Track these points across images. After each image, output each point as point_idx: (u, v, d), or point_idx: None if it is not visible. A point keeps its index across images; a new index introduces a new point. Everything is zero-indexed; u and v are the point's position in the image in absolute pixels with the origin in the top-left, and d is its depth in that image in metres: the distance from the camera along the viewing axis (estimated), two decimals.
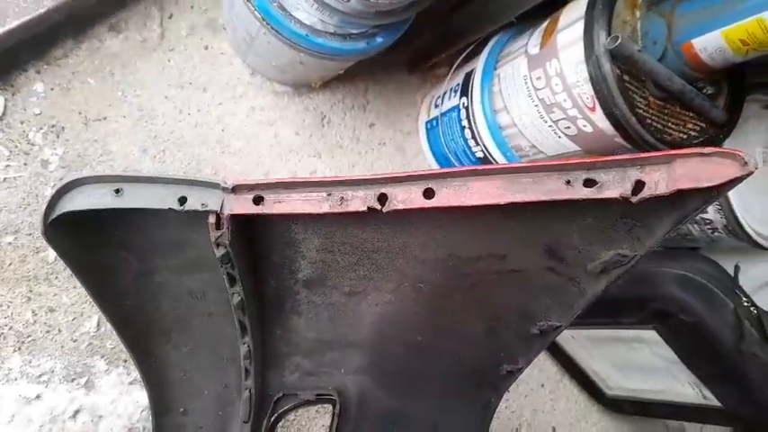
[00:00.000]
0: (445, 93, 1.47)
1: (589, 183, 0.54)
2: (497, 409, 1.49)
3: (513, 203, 0.57)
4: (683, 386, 1.27)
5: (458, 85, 1.41)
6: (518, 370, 0.90)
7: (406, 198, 0.60)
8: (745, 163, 0.47)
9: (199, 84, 1.35)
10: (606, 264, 0.63)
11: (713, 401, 1.24)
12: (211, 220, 0.62)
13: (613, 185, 0.53)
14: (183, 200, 0.61)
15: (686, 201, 0.52)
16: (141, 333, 0.84)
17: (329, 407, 1.13)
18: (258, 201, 0.61)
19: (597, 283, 0.67)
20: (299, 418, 1.25)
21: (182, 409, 0.98)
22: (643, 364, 1.32)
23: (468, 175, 0.59)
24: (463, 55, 1.45)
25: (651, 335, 1.20)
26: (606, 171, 0.54)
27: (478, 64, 1.32)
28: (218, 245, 0.63)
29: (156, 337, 0.86)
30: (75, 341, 1.09)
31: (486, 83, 1.29)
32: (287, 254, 0.75)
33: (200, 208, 0.61)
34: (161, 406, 0.96)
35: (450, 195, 0.59)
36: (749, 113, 1.15)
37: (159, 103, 1.31)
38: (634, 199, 0.52)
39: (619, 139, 1.03)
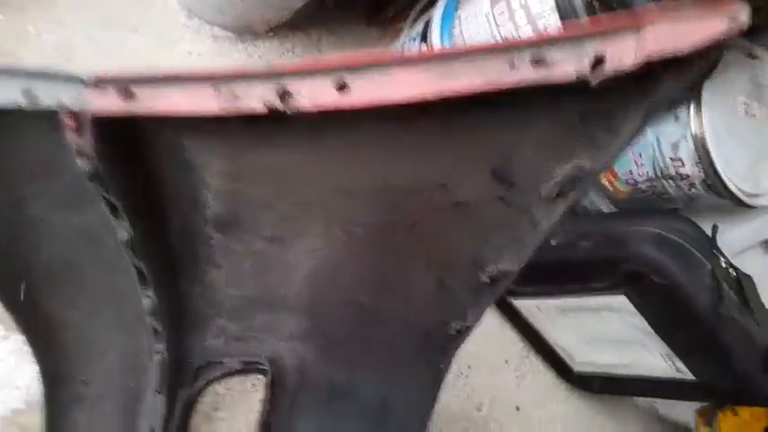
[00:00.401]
0: (404, 43, 1.34)
1: (537, 63, 0.42)
2: (458, 388, 1.39)
3: (447, 101, 0.46)
4: (655, 358, 1.17)
5: (417, 33, 1.29)
6: (466, 328, 0.79)
7: (314, 92, 0.47)
8: (735, 17, 0.36)
9: (127, 25, 1.21)
10: (562, 183, 0.52)
11: (686, 374, 1.14)
12: (68, 120, 0.49)
13: (567, 63, 0.41)
14: (31, 96, 0.48)
15: (658, 80, 0.41)
16: (20, 283, 0.70)
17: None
18: (128, 96, 0.48)
19: (551, 210, 0.55)
20: (232, 392, 1.13)
21: (82, 378, 0.85)
22: (613, 335, 1.22)
23: (391, 63, 0.47)
24: (424, 1, 1.33)
25: (621, 302, 1.10)
26: (558, 47, 0.42)
27: (438, 6, 1.20)
28: (79, 154, 0.50)
29: (41, 290, 0.73)
30: None
31: (446, 26, 1.17)
32: (186, 181, 0.62)
33: (53, 105, 0.48)
34: (55, 374, 0.82)
35: (368, 88, 0.47)
36: (731, 61, 1.05)
37: (80, 43, 1.16)
38: (594, 78, 0.40)
39: None
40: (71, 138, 0.49)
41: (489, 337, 1.41)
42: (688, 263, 0.99)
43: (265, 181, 0.62)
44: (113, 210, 0.58)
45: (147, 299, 0.74)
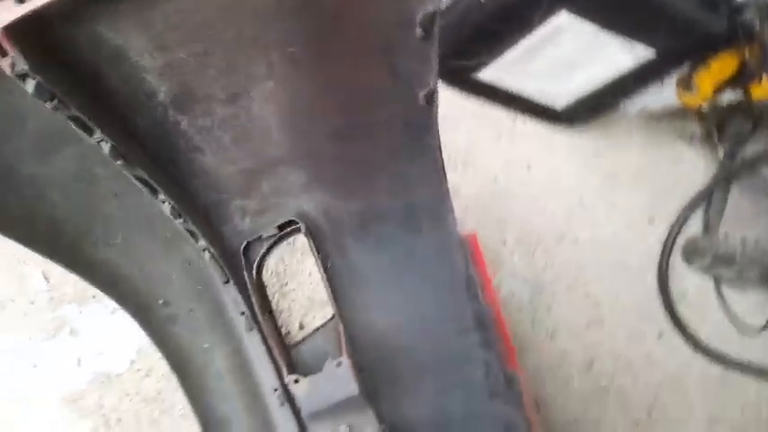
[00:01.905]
0: None
1: None
2: (460, 174, 1.48)
3: None
4: (616, 55, 1.24)
5: None
6: (433, 92, 0.86)
7: None
8: None
9: None
10: None
11: (647, 54, 1.22)
12: None
13: None
14: None
15: None
16: (53, 239, 0.79)
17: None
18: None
19: None
20: (288, 266, 1.24)
21: (161, 301, 0.96)
22: (574, 57, 1.28)
23: None
24: None
25: (565, 19, 1.15)
26: None
27: None
28: (22, 78, 0.55)
29: (76, 239, 0.82)
30: (32, 303, 1.05)
31: None
32: (126, 74, 0.67)
33: None
34: (136, 304, 0.93)
35: None
36: None
37: None
38: None
39: None
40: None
41: (474, 118, 1.48)
42: None
43: (189, 38, 0.66)
44: (82, 126, 0.64)
45: (164, 204, 0.82)
